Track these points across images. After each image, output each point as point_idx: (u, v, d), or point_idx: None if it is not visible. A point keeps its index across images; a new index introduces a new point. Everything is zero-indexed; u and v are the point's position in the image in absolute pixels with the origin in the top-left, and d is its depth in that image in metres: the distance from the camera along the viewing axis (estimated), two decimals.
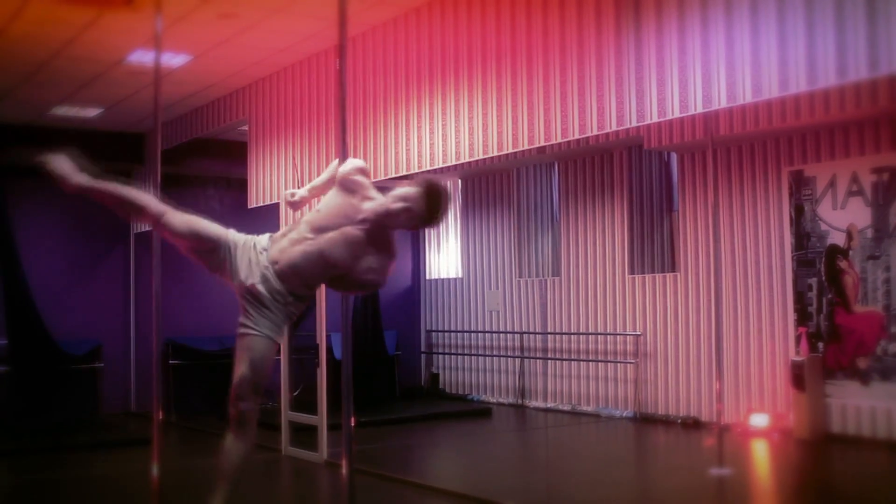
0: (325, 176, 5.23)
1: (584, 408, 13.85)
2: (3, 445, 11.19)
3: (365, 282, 4.69)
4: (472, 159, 8.53)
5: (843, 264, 10.89)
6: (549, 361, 14.55)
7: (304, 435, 10.56)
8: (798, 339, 11.27)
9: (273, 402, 13.09)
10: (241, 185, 12.24)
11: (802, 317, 11.27)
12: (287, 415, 10.77)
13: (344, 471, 4.47)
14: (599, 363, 13.76)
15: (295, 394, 11.12)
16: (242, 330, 4.69)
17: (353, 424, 4.55)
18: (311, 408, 10.47)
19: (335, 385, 10.58)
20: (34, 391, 12.95)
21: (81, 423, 12.96)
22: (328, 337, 10.54)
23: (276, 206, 11.29)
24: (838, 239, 10.94)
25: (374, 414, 12.80)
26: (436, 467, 10.52)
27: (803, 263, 11.27)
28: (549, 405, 14.39)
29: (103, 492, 9.14)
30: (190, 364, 14.39)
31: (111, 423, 13.26)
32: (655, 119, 6.84)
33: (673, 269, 13.06)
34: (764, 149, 11.72)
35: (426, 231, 16.97)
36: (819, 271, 11.11)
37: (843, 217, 10.91)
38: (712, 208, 10.15)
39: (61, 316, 13.48)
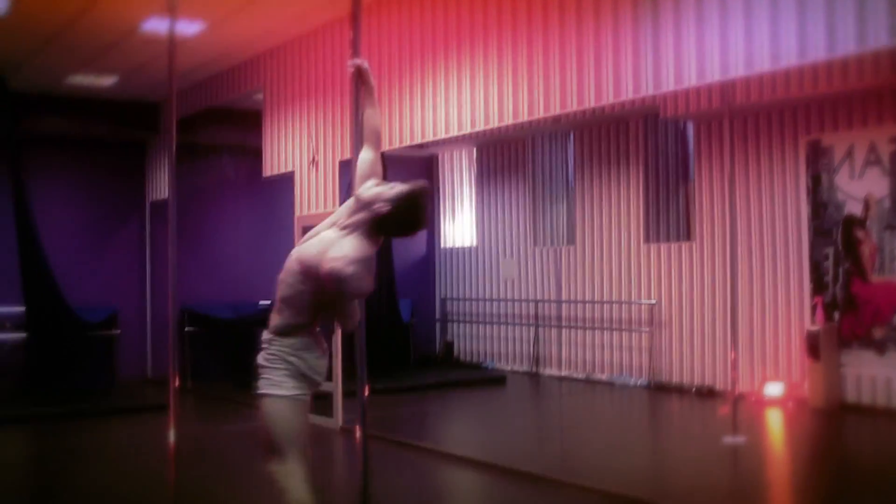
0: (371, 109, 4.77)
1: (599, 376, 13.88)
2: (22, 411, 11.29)
3: (330, 274, 4.08)
4: (487, 127, 8.50)
5: (859, 234, 10.84)
6: (564, 329, 14.57)
7: (319, 402, 10.62)
8: (814, 308, 11.24)
9: None
10: (256, 154, 12.23)
11: (818, 286, 11.23)
12: None
13: (358, 437, 4.46)
14: (614, 331, 13.77)
15: None
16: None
17: (367, 392, 4.52)
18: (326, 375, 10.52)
19: (350, 353, 10.66)
20: (52, 358, 13.08)
21: (99, 389, 13.08)
22: None
23: (291, 174, 11.29)
24: (855, 208, 10.88)
25: (388, 381, 12.85)
26: (450, 434, 10.57)
27: (820, 233, 11.22)
28: (563, 373, 14.42)
29: (121, 457, 9.23)
30: (205, 331, 14.47)
31: (128, 389, 13.37)
32: (672, 87, 6.80)
33: (688, 237, 13.03)
34: (781, 118, 11.64)
35: (442, 200, 16.96)
36: (835, 241, 11.06)
37: (860, 186, 10.84)
38: (728, 177, 10.09)
39: (78, 284, 13.55)
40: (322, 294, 4.18)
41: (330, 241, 4.21)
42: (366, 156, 4.55)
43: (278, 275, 4.28)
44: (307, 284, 4.18)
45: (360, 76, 4.78)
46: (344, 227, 4.26)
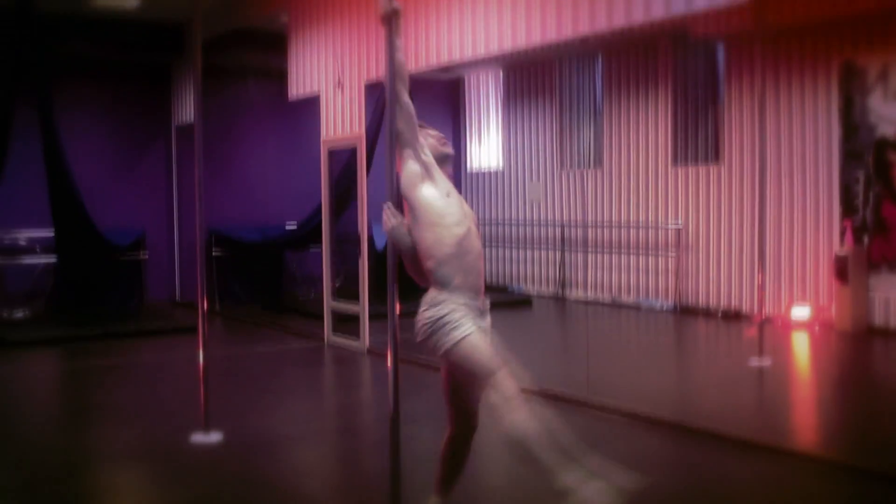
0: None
1: (625, 299, 13.90)
2: (53, 333, 11.45)
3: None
4: (515, 48, 8.40)
5: (892, 157, 10.70)
6: (590, 253, 14.55)
7: (346, 324, 10.73)
8: (843, 231, 11.16)
9: (316, 292, 13.26)
10: (282, 77, 12.17)
11: (848, 209, 11.13)
12: (329, 304, 10.92)
13: (389, 359, 4.49)
14: (640, 255, 13.75)
15: (337, 284, 11.23)
16: None
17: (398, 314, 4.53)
18: (353, 298, 10.60)
19: (376, 276, 10.72)
20: (81, 281, 13.20)
21: (128, 312, 13.22)
22: (370, 227, 10.58)
23: (317, 97, 11.24)
24: (888, 131, 10.71)
25: (414, 305, 12.89)
26: None
27: (851, 156, 11.08)
28: (589, 296, 14.44)
29: (152, 377, 9.37)
30: (232, 254, 14.55)
31: (157, 312, 13.51)
32: (703, 5, 6.67)
33: (717, 160, 12.90)
34: (814, 38, 11.41)
35: (467, 123, 16.85)
36: (867, 164, 10.92)
37: (894, 109, 10.66)
38: (759, 99, 9.95)
39: (105, 208, 13.63)
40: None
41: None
42: (411, 108, 4.45)
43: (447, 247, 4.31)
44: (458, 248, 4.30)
45: (395, 20, 4.43)
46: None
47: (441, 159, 4.46)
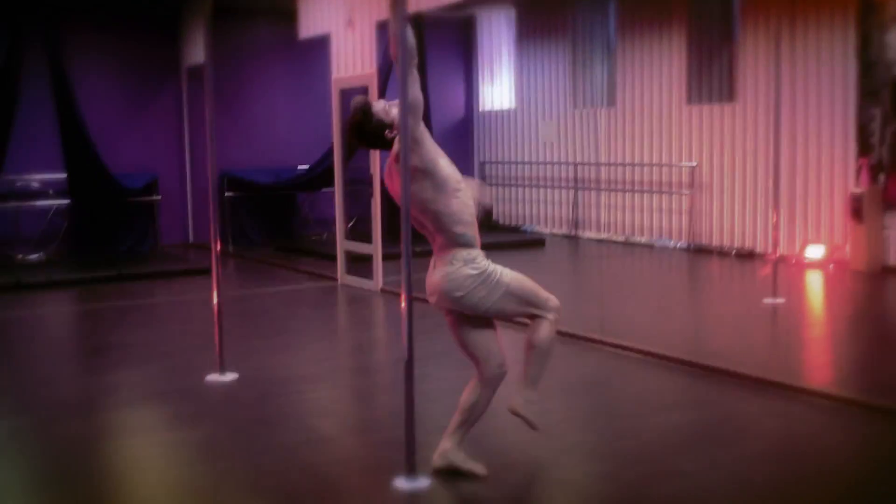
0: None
1: (638, 238, 13.87)
2: (68, 275, 11.51)
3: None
4: None
5: None
6: (603, 192, 14.50)
7: (359, 265, 10.76)
8: (858, 170, 11.07)
9: (328, 233, 13.29)
10: (292, 16, 12.05)
11: (864, 148, 11.03)
12: (343, 244, 10.93)
13: (403, 298, 4.52)
14: (654, 194, 13.69)
15: (350, 224, 11.24)
16: None
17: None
18: (366, 239, 10.61)
19: (392, 217, 10.70)
20: (94, 223, 13.27)
21: (142, 254, 13.29)
22: (382, 168, 10.54)
23: (328, 36, 11.14)
24: None
25: (427, 245, 12.91)
26: None
27: (867, 93, 10.94)
28: (602, 236, 14.42)
29: (166, 317, 9.43)
30: (245, 196, 14.56)
31: (170, 254, 13.56)
32: None
33: (731, 99, 12.76)
34: None
35: (479, 62, 16.72)
36: (883, 101, 10.79)
37: None
38: (774, 36, 9.81)
39: (117, 151, 13.62)
40: None
41: None
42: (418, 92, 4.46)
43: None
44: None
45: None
46: None
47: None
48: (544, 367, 4.68)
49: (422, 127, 4.45)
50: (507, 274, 4.61)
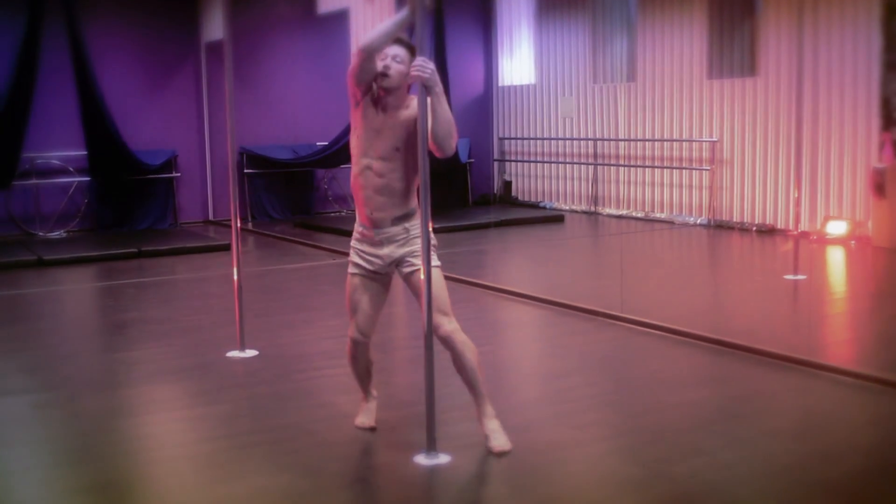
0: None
1: (658, 215, 13.80)
2: (88, 252, 11.55)
3: None
4: None
5: None
6: (623, 168, 14.43)
7: None
8: (881, 145, 10.96)
9: (347, 209, 13.31)
10: None
11: (887, 122, 10.91)
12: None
13: (423, 273, 4.52)
14: (674, 170, 13.62)
15: None
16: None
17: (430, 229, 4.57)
18: None
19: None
20: (115, 201, 13.34)
21: (161, 230, 13.33)
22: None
23: (347, 11, 11.10)
24: None
25: (446, 221, 12.90)
26: (508, 272, 10.65)
27: (891, 66, 10.82)
28: (621, 212, 14.36)
29: (186, 294, 9.45)
30: (264, 172, 14.58)
31: (190, 230, 13.59)
32: None
33: (753, 73, 12.65)
34: None
35: (499, 36, 16.61)
36: None
37: None
38: (797, 9, 9.70)
39: (136, 127, 13.63)
40: None
41: None
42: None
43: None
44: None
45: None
46: None
47: None
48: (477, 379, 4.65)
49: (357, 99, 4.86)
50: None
